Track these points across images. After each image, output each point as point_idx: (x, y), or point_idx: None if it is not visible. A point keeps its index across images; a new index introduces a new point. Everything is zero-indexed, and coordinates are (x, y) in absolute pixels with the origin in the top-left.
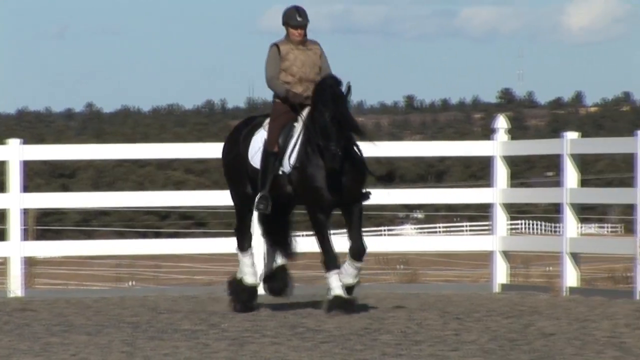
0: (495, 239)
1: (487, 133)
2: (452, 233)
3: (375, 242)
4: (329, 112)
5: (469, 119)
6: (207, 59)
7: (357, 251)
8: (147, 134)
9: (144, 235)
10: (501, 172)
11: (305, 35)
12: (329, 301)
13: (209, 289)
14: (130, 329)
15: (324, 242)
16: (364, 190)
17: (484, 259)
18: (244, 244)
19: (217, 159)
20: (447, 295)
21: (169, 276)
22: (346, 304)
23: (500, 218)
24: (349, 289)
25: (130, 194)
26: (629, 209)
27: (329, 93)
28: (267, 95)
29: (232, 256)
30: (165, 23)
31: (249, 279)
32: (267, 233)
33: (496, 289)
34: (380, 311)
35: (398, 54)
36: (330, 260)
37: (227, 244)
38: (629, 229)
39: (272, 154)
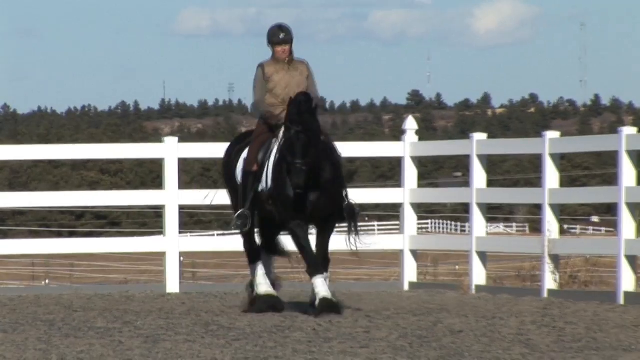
0: (404, 238)
1: (396, 134)
2: (362, 232)
3: (287, 241)
4: (295, 128)
5: (378, 121)
6: (121, 61)
7: (311, 269)
8: (62, 135)
9: (58, 235)
10: (410, 173)
11: (291, 52)
12: (318, 304)
13: (124, 287)
14: (45, 327)
15: (304, 251)
16: (350, 205)
17: (394, 257)
18: (252, 257)
19: (130, 160)
20: (357, 293)
21: (84, 275)
22: (334, 306)
23: (410, 218)
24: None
25: (45, 194)
26: (536, 208)
27: (296, 110)
28: (181, 97)
29: (145, 255)
30: (79, 25)
31: (262, 289)
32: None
33: (406, 287)
34: (292, 309)
35: (309, 56)
36: (313, 266)
37: (141, 243)
38: (535, 228)
39: (251, 173)
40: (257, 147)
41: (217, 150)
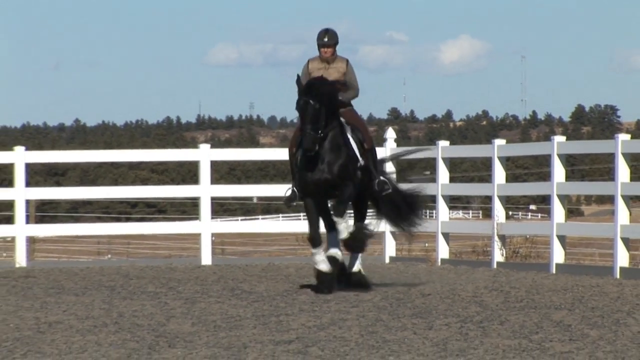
0: (386, 222)
1: (379, 142)
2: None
3: (295, 225)
4: (304, 98)
5: None
6: (167, 84)
7: (337, 209)
8: (121, 142)
9: (118, 220)
10: (391, 171)
11: (334, 52)
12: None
13: (168, 260)
14: (107, 291)
15: (309, 224)
16: (381, 181)
17: (377, 237)
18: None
19: (174, 161)
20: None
21: (137, 251)
22: (326, 277)
23: None
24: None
25: (108, 188)
26: (487, 199)
27: (307, 85)
28: (213, 112)
29: (185, 235)
30: (134, 56)
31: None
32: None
33: (387, 260)
34: (299, 278)
35: None
36: (312, 240)
37: (182, 226)
38: (487, 214)
39: (292, 155)
40: (296, 134)
41: (240, 154)
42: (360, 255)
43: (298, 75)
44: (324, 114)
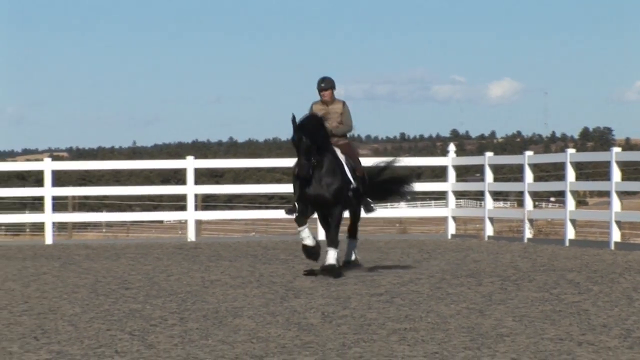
0: (449, 210)
1: (444, 153)
2: (425, 207)
3: (384, 211)
4: (295, 135)
5: (434, 146)
6: (293, 112)
7: (328, 238)
8: (261, 153)
9: (259, 208)
10: (452, 174)
11: (332, 95)
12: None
13: (293, 237)
14: (252, 258)
15: (297, 211)
16: (367, 201)
17: (442, 220)
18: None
19: (287, 167)
20: (422, 240)
21: (273, 230)
22: (311, 249)
23: (451, 198)
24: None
25: (252, 186)
26: (520, 193)
27: (300, 123)
28: None
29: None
30: (272, 92)
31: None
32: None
33: (449, 237)
34: (388, 249)
35: (399, 111)
36: (297, 221)
37: None
38: (520, 204)
39: (296, 176)
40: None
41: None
42: (355, 247)
43: (293, 115)
44: (314, 146)
